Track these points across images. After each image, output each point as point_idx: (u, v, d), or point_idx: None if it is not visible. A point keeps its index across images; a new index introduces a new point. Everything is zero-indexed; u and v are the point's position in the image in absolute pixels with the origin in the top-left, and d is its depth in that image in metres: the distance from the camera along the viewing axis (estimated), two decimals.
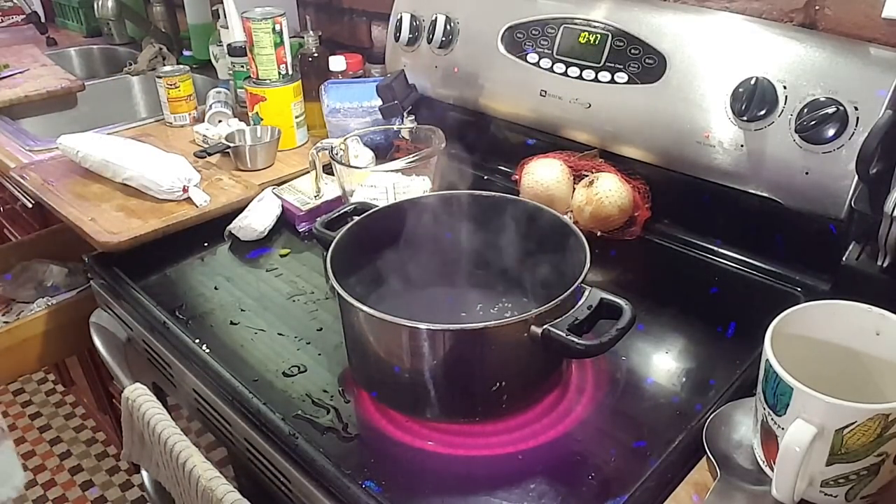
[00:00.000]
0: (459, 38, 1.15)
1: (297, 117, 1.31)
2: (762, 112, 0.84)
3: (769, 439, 0.59)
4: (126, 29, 2.09)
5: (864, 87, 0.78)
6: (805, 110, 0.81)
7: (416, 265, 0.81)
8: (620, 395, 0.73)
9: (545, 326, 0.63)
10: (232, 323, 0.87)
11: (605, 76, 0.99)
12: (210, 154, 1.25)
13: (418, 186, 0.97)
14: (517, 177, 1.06)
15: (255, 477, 0.75)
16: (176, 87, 1.43)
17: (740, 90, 0.85)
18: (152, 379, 0.93)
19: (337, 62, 1.30)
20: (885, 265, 0.75)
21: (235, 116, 1.41)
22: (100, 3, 1.84)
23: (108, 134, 1.33)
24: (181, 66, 1.50)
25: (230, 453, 0.84)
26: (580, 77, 1.01)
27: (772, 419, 0.58)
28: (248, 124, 1.32)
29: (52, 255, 1.37)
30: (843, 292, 0.69)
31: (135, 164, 1.12)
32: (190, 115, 1.46)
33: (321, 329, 0.85)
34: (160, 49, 1.85)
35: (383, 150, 1.10)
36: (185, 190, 1.09)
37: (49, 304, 1.27)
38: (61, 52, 2.10)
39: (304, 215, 1.06)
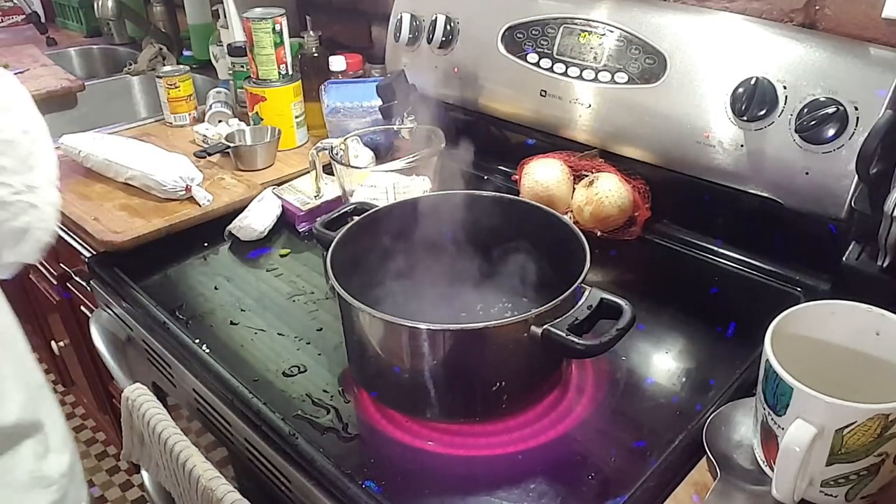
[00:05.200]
0: (459, 38, 1.15)
1: (297, 117, 1.31)
2: (762, 112, 0.84)
3: (769, 439, 0.59)
4: (126, 29, 2.09)
5: (864, 87, 0.78)
6: (805, 110, 0.81)
7: (416, 265, 0.81)
8: (620, 395, 0.73)
9: (545, 326, 0.63)
10: (232, 323, 0.87)
11: (605, 76, 0.99)
12: (210, 154, 1.25)
13: (418, 186, 0.97)
14: (517, 177, 1.06)
15: (255, 477, 0.75)
16: (176, 87, 1.43)
17: (740, 90, 0.85)
18: (152, 379, 0.93)
19: (337, 62, 1.30)
20: (885, 265, 0.75)
21: (235, 116, 1.41)
22: (100, 3, 1.84)
23: (109, 134, 1.33)
24: (181, 66, 1.50)
25: (230, 453, 0.84)
26: (580, 77, 1.01)
27: (772, 419, 0.58)
28: (248, 124, 1.32)
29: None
30: (843, 292, 0.69)
31: (137, 163, 1.12)
32: (190, 115, 1.46)
33: (321, 329, 0.85)
34: (160, 49, 1.86)
35: (383, 150, 1.10)
36: (187, 189, 1.09)
37: None
38: (61, 52, 2.10)
39: (304, 215, 1.06)
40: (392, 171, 0.96)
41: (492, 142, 1.18)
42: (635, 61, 0.96)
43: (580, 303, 0.65)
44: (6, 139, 0.54)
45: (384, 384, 0.72)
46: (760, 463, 0.62)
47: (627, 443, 0.67)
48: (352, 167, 1.01)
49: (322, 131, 1.28)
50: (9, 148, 0.54)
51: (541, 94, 1.06)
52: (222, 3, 1.49)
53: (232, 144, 1.22)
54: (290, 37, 1.29)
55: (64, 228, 1.22)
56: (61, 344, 1.60)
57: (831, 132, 0.80)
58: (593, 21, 1.00)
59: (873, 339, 0.61)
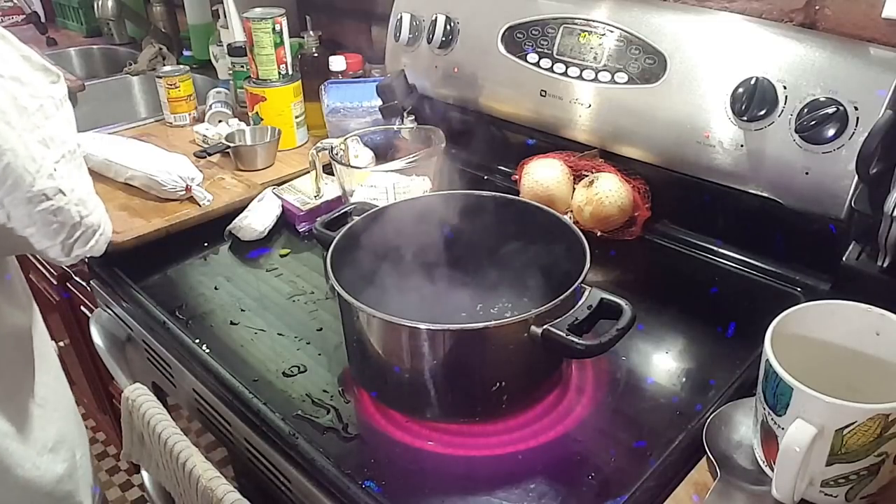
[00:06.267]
0: (459, 38, 1.15)
1: (297, 117, 1.31)
2: (762, 112, 0.84)
3: (769, 439, 0.59)
4: (126, 29, 2.09)
5: (864, 87, 0.78)
6: (805, 110, 0.81)
7: (416, 265, 0.81)
8: (620, 395, 0.73)
9: (545, 326, 0.63)
10: (232, 323, 0.87)
11: (605, 76, 0.99)
12: (210, 154, 1.25)
13: (418, 186, 0.97)
14: (517, 177, 1.06)
15: (255, 477, 0.75)
16: (176, 87, 1.43)
17: (740, 90, 0.85)
18: (152, 379, 0.93)
19: (337, 62, 1.30)
20: (885, 265, 0.75)
21: (235, 116, 1.41)
22: (100, 3, 1.84)
23: (109, 134, 1.33)
24: (181, 66, 1.50)
25: (230, 453, 0.84)
26: (580, 77, 1.01)
27: (772, 419, 0.58)
28: (248, 124, 1.32)
29: None
30: (843, 292, 0.69)
31: (137, 163, 1.12)
32: (190, 115, 1.46)
33: (321, 329, 0.85)
34: (160, 49, 1.85)
35: (383, 150, 1.10)
36: (187, 189, 1.09)
37: None
38: (61, 52, 2.10)
39: (304, 215, 1.06)
40: (392, 171, 0.96)
41: (492, 142, 1.17)
42: (635, 61, 0.96)
43: (580, 303, 0.65)
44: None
45: (384, 384, 0.72)
46: (760, 463, 0.62)
47: (627, 443, 0.67)
48: (352, 167, 1.01)
49: (322, 131, 1.28)
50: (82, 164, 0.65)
51: (541, 94, 1.06)
52: (222, 3, 1.49)
53: (232, 144, 1.22)
54: (290, 37, 1.29)
55: None
56: (61, 344, 1.60)
57: (831, 132, 0.80)
58: (593, 21, 1.00)
59: (873, 339, 0.61)
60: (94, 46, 2.15)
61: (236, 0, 1.45)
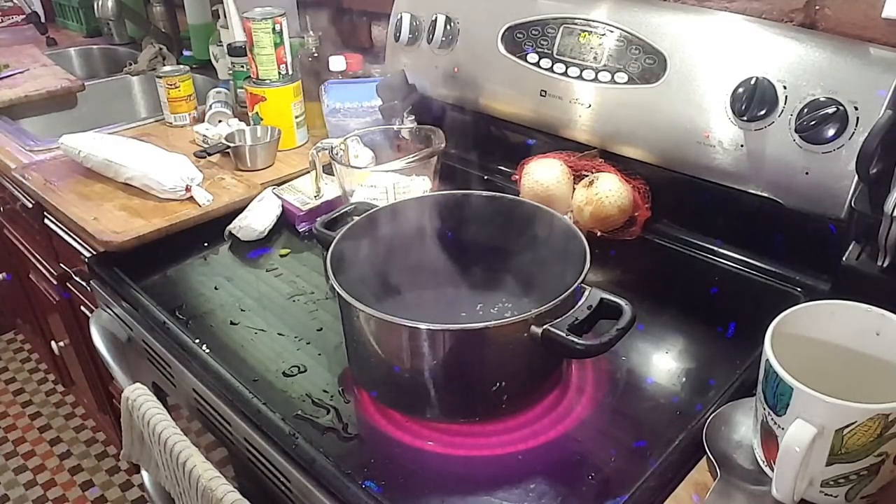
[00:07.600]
0: (459, 38, 1.15)
1: (297, 117, 1.31)
2: (762, 112, 0.84)
3: (769, 439, 0.59)
4: (126, 29, 2.09)
5: (864, 87, 0.78)
6: (805, 110, 0.81)
7: (416, 265, 0.82)
8: (620, 395, 0.74)
9: (545, 326, 0.63)
10: (232, 323, 0.87)
11: (605, 76, 0.99)
12: (210, 154, 1.25)
13: (418, 186, 0.97)
14: (517, 177, 1.06)
15: (255, 477, 0.75)
16: (176, 87, 1.43)
17: (740, 90, 0.85)
18: (152, 379, 0.93)
19: (337, 62, 1.30)
20: (885, 265, 0.75)
21: (235, 116, 1.41)
22: (100, 3, 1.84)
23: (109, 134, 1.33)
24: (181, 66, 1.50)
25: (230, 453, 0.84)
26: (580, 77, 1.01)
27: (772, 419, 0.58)
28: (248, 124, 1.32)
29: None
30: (843, 292, 0.69)
31: (137, 163, 1.12)
32: (190, 115, 1.46)
33: (321, 329, 0.85)
34: (160, 49, 1.86)
35: (383, 150, 1.10)
36: (187, 189, 1.09)
37: None
38: (61, 52, 2.10)
39: (304, 215, 1.06)
40: (392, 171, 0.96)
41: (492, 142, 1.18)
42: (635, 61, 0.96)
43: (580, 303, 0.65)
44: None
45: (384, 384, 0.72)
46: (760, 463, 0.62)
47: (627, 443, 0.67)
48: (352, 167, 1.01)
49: (322, 131, 1.28)
50: None
51: (541, 94, 1.06)
52: (222, 3, 1.49)
53: (232, 144, 1.22)
54: (290, 37, 1.29)
55: (64, 228, 1.22)
56: (61, 344, 1.60)
57: (831, 132, 0.80)
58: (593, 21, 1.00)
59: (873, 339, 0.61)
60: (94, 46, 2.15)
61: (236, 0, 1.45)
